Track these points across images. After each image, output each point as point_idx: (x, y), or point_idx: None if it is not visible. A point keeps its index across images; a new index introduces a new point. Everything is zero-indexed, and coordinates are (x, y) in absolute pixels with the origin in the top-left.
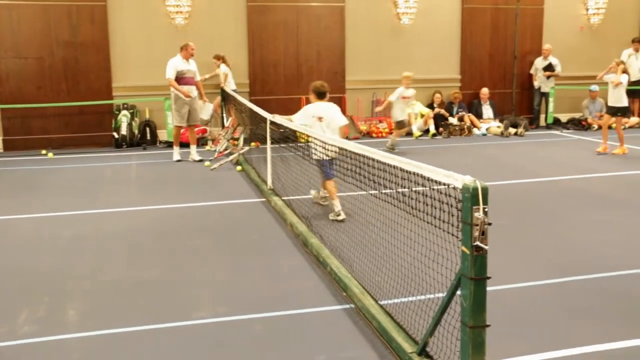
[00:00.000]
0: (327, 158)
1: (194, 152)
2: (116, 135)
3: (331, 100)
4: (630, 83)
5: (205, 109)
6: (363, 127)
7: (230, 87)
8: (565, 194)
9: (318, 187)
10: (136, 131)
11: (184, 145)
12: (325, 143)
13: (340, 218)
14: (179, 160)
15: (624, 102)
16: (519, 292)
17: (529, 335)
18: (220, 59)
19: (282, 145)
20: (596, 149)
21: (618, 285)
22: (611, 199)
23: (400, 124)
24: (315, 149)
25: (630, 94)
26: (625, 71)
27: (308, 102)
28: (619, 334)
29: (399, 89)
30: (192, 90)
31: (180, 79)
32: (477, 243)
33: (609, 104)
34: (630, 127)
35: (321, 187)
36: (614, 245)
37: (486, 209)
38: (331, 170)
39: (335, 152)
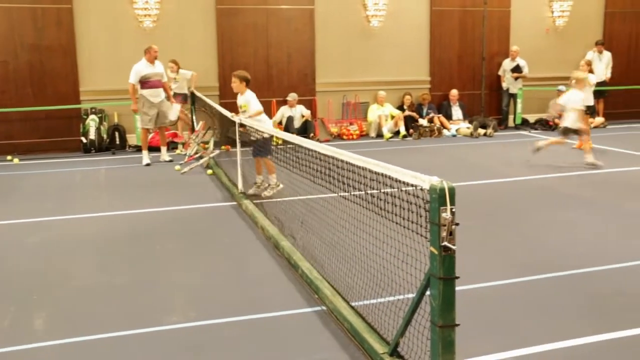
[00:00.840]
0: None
1: (164, 153)
2: (84, 140)
3: (301, 102)
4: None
5: (173, 110)
6: (334, 130)
7: (184, 90)
8: (533, 193)
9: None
10: (105, 136)
11: (155, 149)
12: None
13: (280, 187)
14: (148, 164)
15: (590, 101)
16: (488, 291)
17: (498, 334)
18: (177, 64)
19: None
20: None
21: (585, 282)
22: (577, 198)
23: (570, 132)
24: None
25: (595, 94)
26: (591, 71)
27: (279, 104)
28: (586, 330)
29: (571, 93)
30: (160, 93)
31: (145, 82)
32: (445, 243)
33: None
34: (595, 127)
35: (272, 174)
36: (581, 244)
37: (453, 209)
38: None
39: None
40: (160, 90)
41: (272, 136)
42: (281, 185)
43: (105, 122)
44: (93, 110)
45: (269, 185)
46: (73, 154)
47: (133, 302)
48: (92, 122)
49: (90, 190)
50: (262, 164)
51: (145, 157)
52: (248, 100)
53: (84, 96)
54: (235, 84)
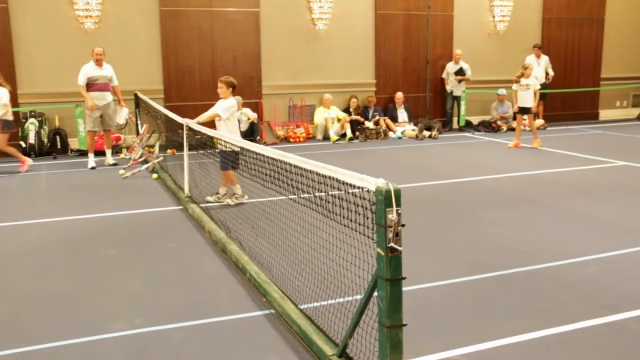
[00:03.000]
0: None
1: (109, 156)
2: (23, 145)
3: (247, 105)
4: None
5: (121, 114)
6: (280, 132)
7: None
8: (478, 194)
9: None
10: (45, 140)
11: (100, 153)
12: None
13: (245, 199)
14: (93, 168)
15: (529, 102)
16: (435, 290)
17: (446, 332)
18: None
19: (200, 152)
20: (508, 145)
21: (529, 280)
22: (521, 198)
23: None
24: (226, 143)
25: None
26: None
27: None
28: (531, 326)
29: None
30: (106, 96)
31: (92, 85)
32: (392, 244)
33: (519, 105)
34: (537, 128)
35: (224, 186)
36: (525, 243)
37: (399, 211)
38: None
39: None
40: (107, 93)
41: (235, 151)
42: (246, 196)
43: (46, 125)
44: (32, 113)
45: (217, 194)
46: (11, 159)
47: (75, 310)
48: (31, 125)
49: (29, 196)
50: (223, 175)
51: (91, 160)
52: (220, 105)
53: (22, 99)
54: (222, 89)
